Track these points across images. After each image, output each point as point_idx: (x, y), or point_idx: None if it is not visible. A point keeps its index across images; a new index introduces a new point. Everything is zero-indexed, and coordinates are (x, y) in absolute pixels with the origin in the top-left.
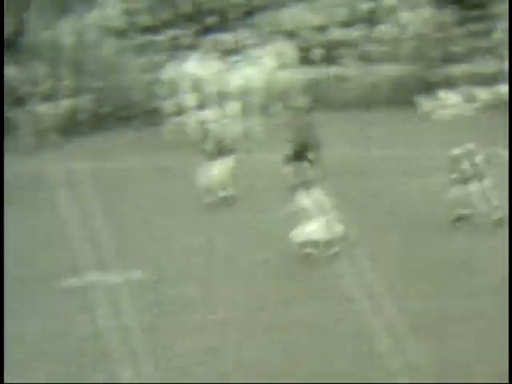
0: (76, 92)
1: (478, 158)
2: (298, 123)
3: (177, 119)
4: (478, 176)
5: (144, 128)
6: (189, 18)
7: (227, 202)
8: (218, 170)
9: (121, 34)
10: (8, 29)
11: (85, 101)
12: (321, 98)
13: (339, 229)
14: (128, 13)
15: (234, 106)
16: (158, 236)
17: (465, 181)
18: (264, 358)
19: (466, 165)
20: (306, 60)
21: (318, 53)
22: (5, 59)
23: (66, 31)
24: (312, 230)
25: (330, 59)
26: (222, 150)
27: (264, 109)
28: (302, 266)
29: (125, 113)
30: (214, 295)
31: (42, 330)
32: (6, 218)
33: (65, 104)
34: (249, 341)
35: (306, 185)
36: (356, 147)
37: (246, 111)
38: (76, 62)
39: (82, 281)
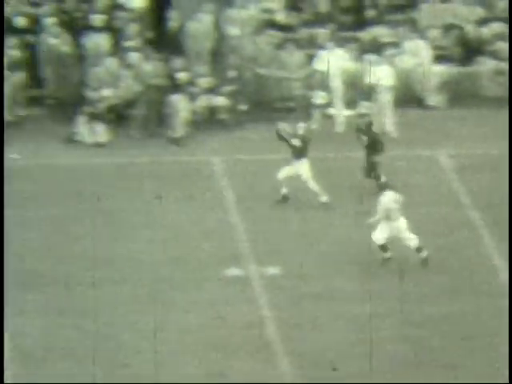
0: (230, 83)
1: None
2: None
3: (326, 112)
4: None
5: (295, 120)
6: (327, 16)
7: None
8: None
9: (281, 27)
10: (173, 24)
11: (237, 92)
12: (458, 95)
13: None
14: (269, 11)
15: (381, 99)
16: (294, 230)
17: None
18: (409, 351)
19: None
20: (442, 57)
21: (455, 50)
22: (168, 52)
23: (227, 22)
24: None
25: (466, 56)
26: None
27: (399, 106)
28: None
29: (280, 105)
30: (360, 289)
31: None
32: (167, 207)
33: (222, 95)
34: (395, 334)
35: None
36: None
37: (381, 108)
38: (234, 53)
39: (240, 271)
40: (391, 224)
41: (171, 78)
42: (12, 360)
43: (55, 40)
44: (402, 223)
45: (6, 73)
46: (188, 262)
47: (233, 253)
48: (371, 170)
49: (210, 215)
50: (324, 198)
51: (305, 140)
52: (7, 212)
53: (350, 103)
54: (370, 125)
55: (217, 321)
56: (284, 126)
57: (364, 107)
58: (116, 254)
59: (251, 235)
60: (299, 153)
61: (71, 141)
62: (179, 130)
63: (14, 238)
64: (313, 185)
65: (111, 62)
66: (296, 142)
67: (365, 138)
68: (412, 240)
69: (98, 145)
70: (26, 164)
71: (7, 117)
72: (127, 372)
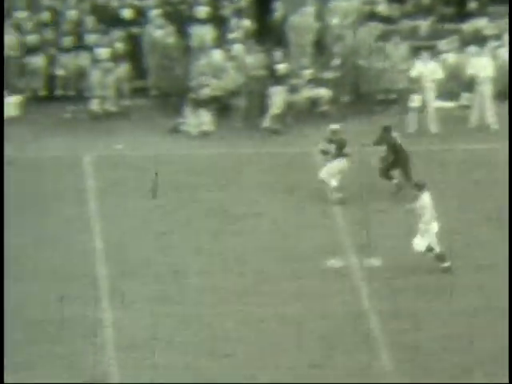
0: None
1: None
2: None
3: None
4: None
5: (396, 113)
6: (429, 8)
7: None
8: None
9: (383, 19)
10: (276, 16)
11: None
12: None
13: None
14: (371, 2)
15: (481, 91)
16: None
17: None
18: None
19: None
20: None
21: None
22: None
23: (329, 14)
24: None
25: None
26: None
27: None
28: None
29: (382, 97)
30: (460, 283)
31: (304, 309)
32: (268, 198)
33: (324, 87)
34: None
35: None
36: None
37: (482, 99)
38: (336, 43)
39: (341, 263)
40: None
41: (272, 69)
42: (117, 349)
43: (160, 32)
44: (435, 227)
45: (111, 64)
46: (289, 253)
47: (334, 244)
48: (388, 170)
49: (311, 206)
50: (339, 195)
51: (340, 143)
52: (111, 201)
53: (452, 95)
54: (389, 129)
55: (318, 312)
56: (323, 146)
57: (465, 99)
58: (219, 246)
59: (352, 227)
60: (337, 156)
61: (176, 131)
62: (279, 122)
63: (116, 226)
64: (335, 180)
65: (215, 54)
66: (332, 149)
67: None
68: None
69: (204, 134)
70: (130, 154)
71: (112, 108)
72: (230, 361)
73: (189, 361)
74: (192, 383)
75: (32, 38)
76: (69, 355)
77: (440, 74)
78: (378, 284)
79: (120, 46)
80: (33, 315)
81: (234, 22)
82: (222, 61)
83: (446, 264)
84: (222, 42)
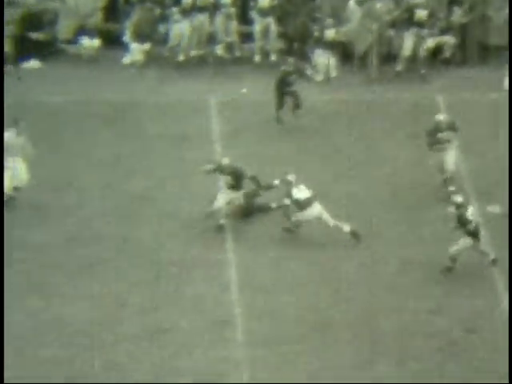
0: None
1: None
2: None
3: None
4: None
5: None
6: None
7: None
8: None
9: None
10: None
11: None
12: None
13: None
14: None
15: None
16: None
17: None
18: None
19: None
20: None
21: None
22: None
23: None
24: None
25: None
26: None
27: None
28: None
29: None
30: None
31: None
32: (390, 144)
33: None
34: None
35: None
36: None
37: None
38: None
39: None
40: None
41: (406, 14)
42: (241, 290)
43: None
44: None
45: (232, 10)
46: (405, 200)
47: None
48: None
49: (432, 153)
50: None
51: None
52: (234, 144)
53: None
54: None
55: (440, 256)
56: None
57: None
58: (340, 190)
59: (471, 173)
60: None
61: (300, 76)
62: (404, 67)
63: None
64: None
65: None
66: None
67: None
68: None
69: (327, 79)
70: (254, 99)
71: (237, 53)
72: (351, 305)
73: (311, 302)
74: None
75: None
76: (194, 296)
77: None
78: (498, 230)
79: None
80: (159, 256)
81: None
82: (352, 5)
83: None
84: None
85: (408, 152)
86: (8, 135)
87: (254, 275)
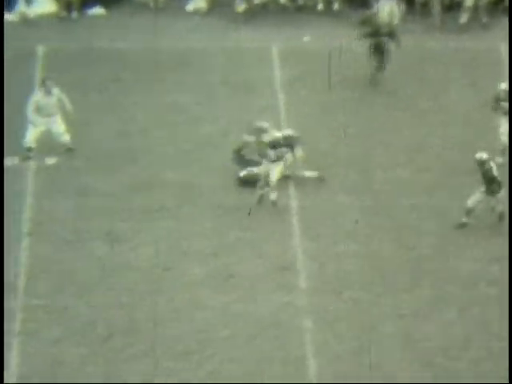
0: None
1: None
2: None
3: None
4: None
5: None
6: None
7: None
8: None
9: None
10: None
11: None
12: None
13: None
14: None
15: None
16: None
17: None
18: None
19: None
20: None
21: None
22: None
23: None
24: None
25: None
26: None
27: None
28: None
29: None
30: None
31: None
32: (449, 93)
33: None
34: None
35: None
36: None
37: None
38: None
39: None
40: None
41: None
42: (303, 237)
43: None
44: None
45: None
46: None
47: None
48: None
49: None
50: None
51: None
52: (296, 92)
53: None
54: None
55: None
56: None
57: None
58: (403, 139)
59: None
60: None
61: (362, 23)
62: (466, 16)
63: (301, 118)
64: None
65: None
66: None
67: None
68: None
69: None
70: (317, 47)
71: (300, 1)
72: (413, 252)
73: (373, 249)
74: None
75: None
76: (257, 241)
77: None
78: None
79: None
80: (221, 201)
81: None
82: None
83: None
84: None
85: (469, 101)
86: (35, 98)
87: (315, 222)
